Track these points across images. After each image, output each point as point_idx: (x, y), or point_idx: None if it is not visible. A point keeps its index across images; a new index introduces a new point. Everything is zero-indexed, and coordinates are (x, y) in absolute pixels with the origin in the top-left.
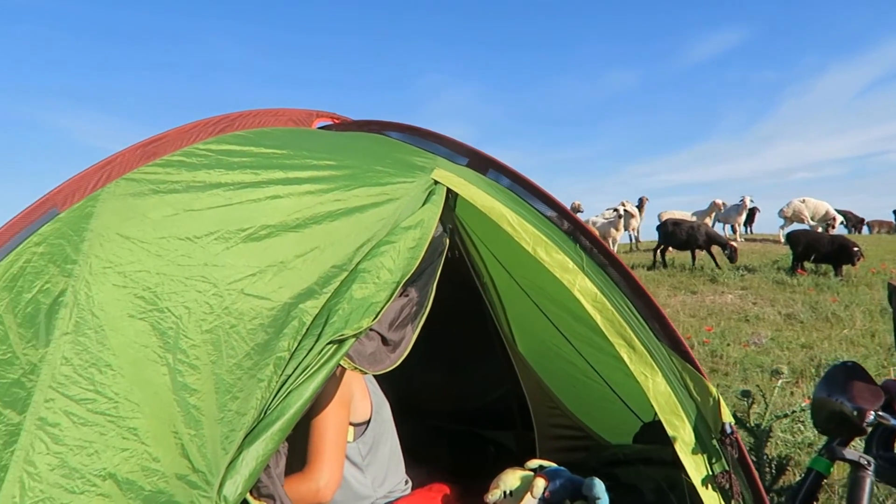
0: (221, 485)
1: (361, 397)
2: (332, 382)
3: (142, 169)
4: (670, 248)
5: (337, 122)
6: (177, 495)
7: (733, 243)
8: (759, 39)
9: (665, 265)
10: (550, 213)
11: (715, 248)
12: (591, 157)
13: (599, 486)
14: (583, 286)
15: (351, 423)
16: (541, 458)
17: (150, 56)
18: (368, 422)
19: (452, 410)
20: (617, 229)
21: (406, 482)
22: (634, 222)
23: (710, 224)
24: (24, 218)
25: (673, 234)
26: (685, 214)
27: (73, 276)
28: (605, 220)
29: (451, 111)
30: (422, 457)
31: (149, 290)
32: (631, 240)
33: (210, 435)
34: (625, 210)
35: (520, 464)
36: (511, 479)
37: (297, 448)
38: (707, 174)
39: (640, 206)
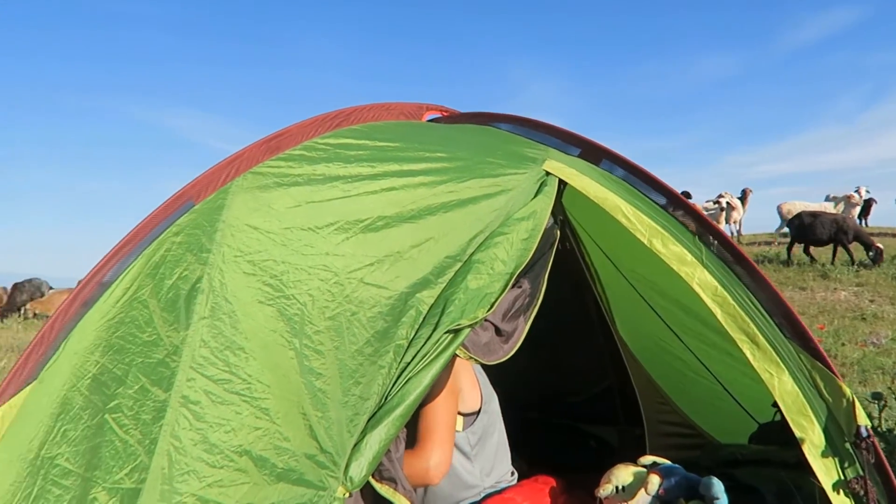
0: (347, 466)
1: (471, 388)
2: (443, 372)
3: (266, 163)
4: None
5: (445, 114)
6: (307, 474)
7: (879, 245)
8: (875, 18)
9: (790, 262)
10: (667, 203)
11: (842, 246)
12: (685, 148)
13: (718, 486)
14: (702, 279)
15: (461, 413)
16: (651, 454)
17: (253, 57)
18: (478, 412)
19: (552, 403)
20: (718, 222)
21: (512, 473)
22: (736, 215)
23: None
24: (164, 210)
25: (811, 228)
26: (808, 205)
27: (209, 263)
28: (706, 213)
29: (538, 104)
30: (520, 449)
31: (275, 277)
32: (732, 234)
33: (336, 418)
34: (726, 203)
35: (623, 460)
36: (623, 474)
37: (409, 434)
38: (814, 163)
39: (743, 199)
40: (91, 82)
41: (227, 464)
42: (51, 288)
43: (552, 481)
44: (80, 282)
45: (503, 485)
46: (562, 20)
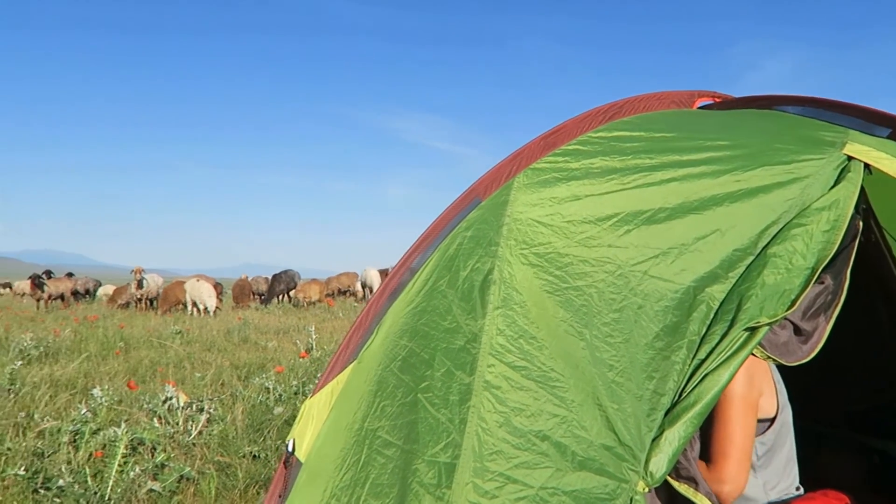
0: (646, 461)
1: (769, 394)
2: (742, 381)
3: (545, 159)
4: None
5: (718, 100)
6: (607, 465)
7: None
8: None
9: None
10: None
11: None
12: None
13: None
14: None
15: None
16: None
17: (472, 58)
18: (772, 421)
19: (830, 411)
20: None
21: (797, 488)
22: None
23: None
24: (456, 207)
25: None
26: None
27: (497, 256)
28: None
29: (772, 83)
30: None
31: (560, 269)
32: None
33: (633, 411)
34: None
35: None
36: None
37: (702, 439)
38: None
39: None
40: (327, 91)
41: (530, 447)
42: (300, 278)
43: (845, 499)
44: (388, 273)
45: (788, 497)
46: None
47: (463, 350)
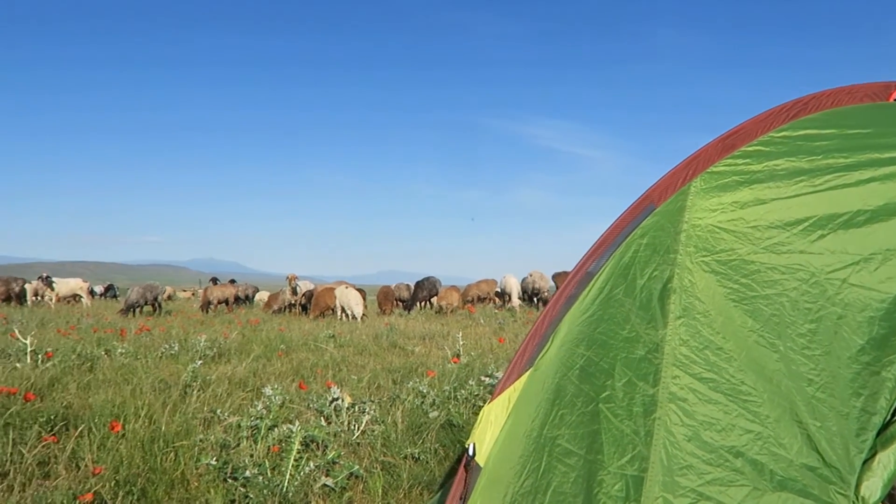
0: (857, 484)
1: None
2: None
3: (723, 162)
4: None
5: None
6: (811, 487)
7: None
8: None
9: None
10: None
11: None
12: None
13: None
14: None
15: None
16: None
17: (607, 60)
18: None
19: None
20: None
21: None
22: None
23: None
24: (629, 214)
25: None
26: None
27: (676, 264)
28: None
29: None
30: None
31: (747, 276)
32: None
33: (838, 430)
34: None
35: None
36: None
37: None
38: None
39: None
40: (458, 101)
41: (722, 463)
42: (441, 285)
43: None
44: (564, 282)
45: None
46: None
47: (644, 360)
